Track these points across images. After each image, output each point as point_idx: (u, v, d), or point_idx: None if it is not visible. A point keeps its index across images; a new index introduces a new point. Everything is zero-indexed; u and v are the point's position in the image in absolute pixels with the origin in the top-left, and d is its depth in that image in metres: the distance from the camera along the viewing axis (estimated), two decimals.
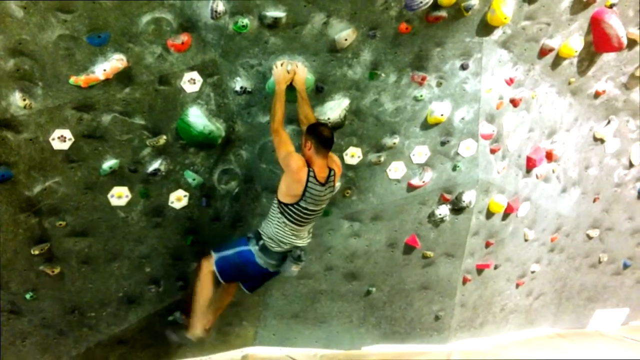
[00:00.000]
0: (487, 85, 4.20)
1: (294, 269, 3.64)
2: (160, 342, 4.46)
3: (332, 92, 3.88)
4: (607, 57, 4.67)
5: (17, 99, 3.09)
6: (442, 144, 4.35)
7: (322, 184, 3.44)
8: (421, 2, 3.51)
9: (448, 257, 4.98)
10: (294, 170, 3.34)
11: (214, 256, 3.69)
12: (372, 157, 4.27)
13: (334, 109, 3.89)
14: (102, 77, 3.21)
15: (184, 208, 3.98)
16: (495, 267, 5.34)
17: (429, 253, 4.90)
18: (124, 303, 4.18)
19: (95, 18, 3.07)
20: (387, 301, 5.12)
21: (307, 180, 3.36)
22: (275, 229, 3.52)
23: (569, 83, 4.70)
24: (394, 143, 4.22)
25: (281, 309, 4.91)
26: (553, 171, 5.16)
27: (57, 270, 3.75)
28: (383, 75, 3.92)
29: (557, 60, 4.47)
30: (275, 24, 3.43)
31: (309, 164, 3.41)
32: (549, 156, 4.98)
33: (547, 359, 5.64)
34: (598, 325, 6.67)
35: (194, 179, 3.88)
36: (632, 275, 6.49)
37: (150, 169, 3.70)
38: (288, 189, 3.41)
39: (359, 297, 5.03)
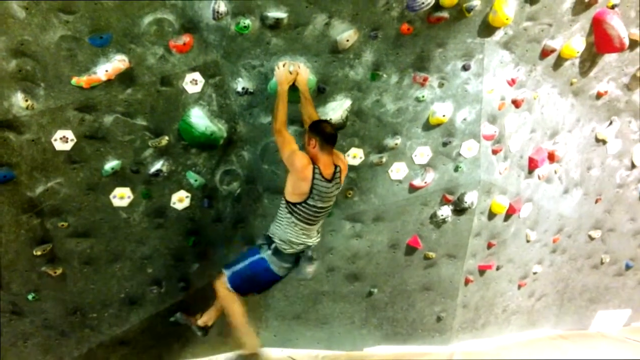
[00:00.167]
0: (489, 86, 4.19)
1: (309, 269, 3.64)
2: (162, 343, 4.46)
3: (333, 93, 3.88)
4: (609, 58, 4.66)
5: (19, 100, 3.09)
6: (444, 144, 4.35)
7: (329, 181, 3.44)
8: (423, 3, 3.52)
9: (450, 258, 4.97)
10: (299, 169, 3.33)
11: (226, 274, 3.64)
12: (374, 158, 4.27)
13: (336, 109, 3.89)
14: (104, 78, 3.22)
15: (185, 209, 3.98)
16: (497, 268, 5.34)
17: (431, 254, 4.89)
18: (126, 304, 4.18)
19: (97, 19, 3.07)
20: (389, 302, 5.12)
21: (313, 178, 3.35)
22: (285, 229, 3.51)
23: (571, 84, 4.69)
24: (396, 144, 4.22)
25: (283, 310, 4.90)
26: (555, 172, 5.16)
27: (59, 271, 3.75)
28: (385, 76, 3.92)
29: (559, 61, 4.47)
30: (277, 24, 3.44)
31: (314, 161, 3.40)
32: (551, 157, 4.98)
33: None
34: (600, 326, 6.66)
35: (195, 180, 3.88)
36: (634, 276, 6.48)
37: (152, 169, 3.70)
38: (295, 187, 3.41)
39: (361, 298, 5.02)
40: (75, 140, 3.36)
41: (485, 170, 4.53)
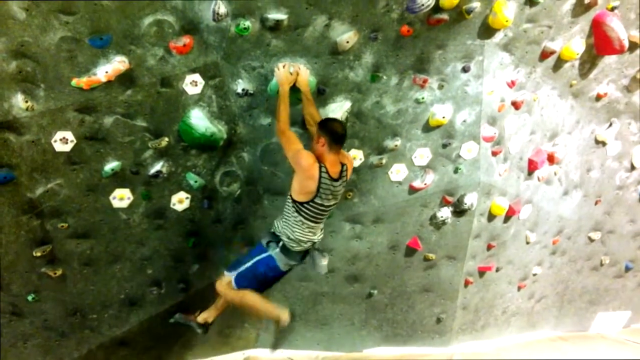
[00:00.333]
0: (489, 87, 4.19)
1: (324, 262, 3.69)
2: (162, 344, 4.46)
3: (333, 95, 3.88)
4: (609, 60, 4.66)
5: (19, 101, 3.10)
6: (444, 146, 4.35)
7: (335, 179, 3.44)
8: (423, 5, 3.52)
9: (450, 259, 4.97)
10: (305, 168, 3.33)
11: (231, 276, 3.64)
12: (374, 159, 4.27)
13: (336, 111, 3.89)
14: (104, 79, 3.22)
15: (185, 210, 3.99)
16: (497, 270, 5.34)
17: (431, 255, 4.89)
18: (126, 305, 4.18)
19: (97, 20, 3.07)
20: (389, 303, 5.12)
21: (320, 176, 3.35)
22: (293, 228, 3.52)
23: (571, 86, 4.70)
24: (396, 145, 4.22)
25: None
26: (555, 174, 5.16)
27: (59, 272, 3.75)
28: (385, 77, 3.92)
29: (559, 63, 4.47)
30: (276, 26, 3.44)
31: (320, 159, 3.39)
32: (551, 159, 4.98)
33: None
34: (600, 327, 6.66)
35: (195, 181, 3.88)
36: (633, 278, 6.48)
37: (152, 171, 3.70)
38: (301, 187, 3.41)
39: (361, 299, 5.02)
40: (75, 141, 3.36)
41: (485, 172, 4.53)
